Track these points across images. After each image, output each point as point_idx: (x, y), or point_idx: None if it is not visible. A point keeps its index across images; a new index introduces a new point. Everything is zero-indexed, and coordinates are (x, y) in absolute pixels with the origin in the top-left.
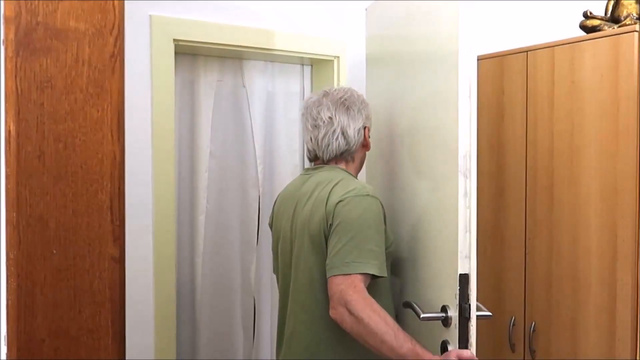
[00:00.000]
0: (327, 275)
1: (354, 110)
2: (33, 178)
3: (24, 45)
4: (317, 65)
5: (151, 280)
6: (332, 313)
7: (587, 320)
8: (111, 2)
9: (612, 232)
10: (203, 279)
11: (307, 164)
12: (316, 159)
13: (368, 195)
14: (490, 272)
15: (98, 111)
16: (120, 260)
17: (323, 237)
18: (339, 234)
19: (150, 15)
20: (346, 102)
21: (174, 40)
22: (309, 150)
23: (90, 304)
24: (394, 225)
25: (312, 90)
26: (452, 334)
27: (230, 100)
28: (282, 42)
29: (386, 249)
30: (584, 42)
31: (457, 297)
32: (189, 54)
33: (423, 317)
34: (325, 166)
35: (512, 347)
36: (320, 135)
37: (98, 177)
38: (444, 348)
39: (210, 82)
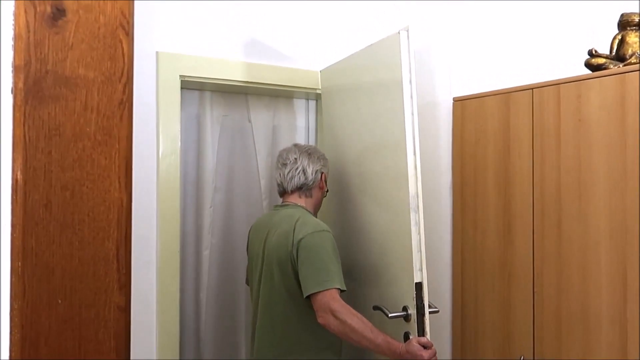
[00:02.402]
0: (307, 293)
1: (314, 157)
2: (39, 227)
3: (33, 93)
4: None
5: (154, 317)
6: (320, 320)
7: None
8: (121, 50)
9: (622, 271)
10: (207, 315)
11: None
12: (284, 194)
13: (322, 230)
14: (498, 310)
15: (106, 159)
16: (125, 310)
17: (289, 262)
18: (305, 263)
19: (157, 52)
20: (309, 151)
21: (180, 76)
22: (278, 185)
23: (95, 354)
24: (354, 246)
25: (317, 124)
26: (412, 327)
27: (236, 135)
28: (287, 78)
29: None
30: (590, 80)
31: (415, 299)
32: (196, 89)
33: (391, 316)
34: (289, 204)
35: None
36: (286, 171)
37: (105, 225)
38: (406, 337)
39: (216, 117)
